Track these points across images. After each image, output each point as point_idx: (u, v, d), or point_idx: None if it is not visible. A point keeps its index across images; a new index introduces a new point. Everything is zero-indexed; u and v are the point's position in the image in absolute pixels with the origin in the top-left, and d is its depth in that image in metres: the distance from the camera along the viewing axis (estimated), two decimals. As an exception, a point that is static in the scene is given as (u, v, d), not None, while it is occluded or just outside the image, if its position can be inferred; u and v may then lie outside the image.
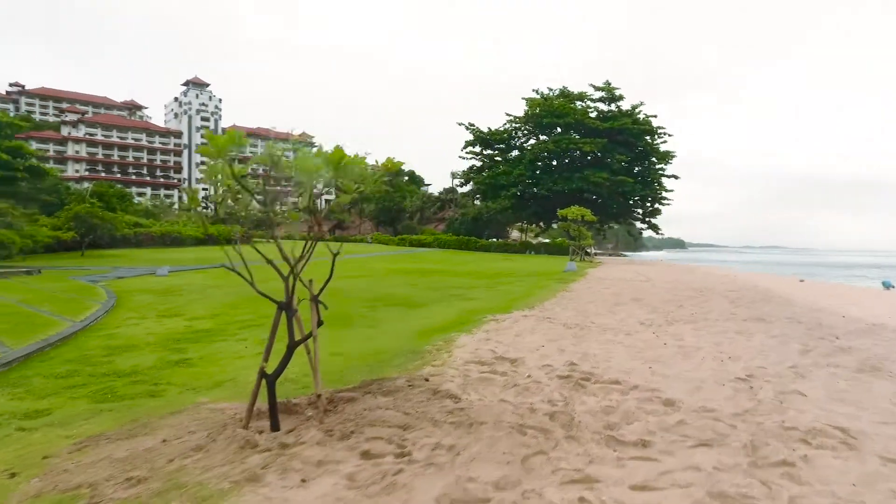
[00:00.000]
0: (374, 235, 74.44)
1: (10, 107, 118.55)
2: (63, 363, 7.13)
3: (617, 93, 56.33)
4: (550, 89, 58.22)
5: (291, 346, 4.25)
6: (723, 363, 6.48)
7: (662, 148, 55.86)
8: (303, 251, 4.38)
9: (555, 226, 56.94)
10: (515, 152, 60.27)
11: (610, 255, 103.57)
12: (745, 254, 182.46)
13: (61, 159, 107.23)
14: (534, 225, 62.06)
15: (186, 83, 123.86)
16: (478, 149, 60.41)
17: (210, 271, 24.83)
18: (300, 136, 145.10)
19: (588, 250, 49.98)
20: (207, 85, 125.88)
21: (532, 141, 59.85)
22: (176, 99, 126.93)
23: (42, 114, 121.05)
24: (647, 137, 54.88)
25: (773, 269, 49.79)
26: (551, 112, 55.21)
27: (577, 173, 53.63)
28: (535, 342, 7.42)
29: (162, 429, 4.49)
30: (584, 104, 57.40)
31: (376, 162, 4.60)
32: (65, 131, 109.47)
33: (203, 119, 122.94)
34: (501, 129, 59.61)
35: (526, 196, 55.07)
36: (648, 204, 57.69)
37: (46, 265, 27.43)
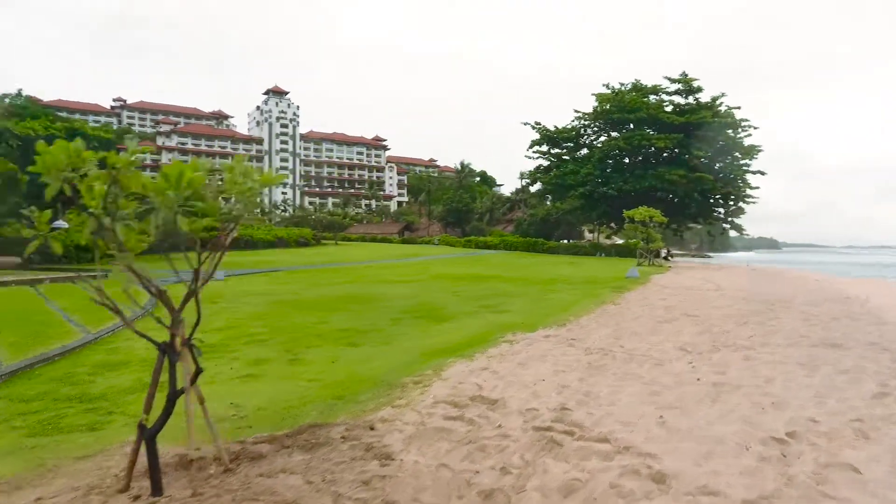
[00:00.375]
0: (441, 237, 74.29)
1: (114, 120, 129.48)
2: (44, 382, 6.95)
3: (695, 84, 52.63)
4: (622, 84, 55.51)
5: (172, 397, 3.58)
6: (763, 411, 5.20)
7: (747, 142, 51.64)
8: (196, 276, 3.71)
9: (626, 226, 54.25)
10: (585, 150, 57.93)
11: (693, 255, 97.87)
12: (847, 254, 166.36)
13: (157, 167, 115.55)
14: (604, 226, 59.40)
15: (267, 92, 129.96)
16: (545, 148, 58.60)
17: (263, 275, 25.29)
18: (374, 139, 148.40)
19: (662, 253, 47.08)
20: (286, 93, 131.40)
21: (602, 138, 57.32)
22: (258, 107, 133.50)
23: (140, 125, 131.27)
24: (729, 131, 50.91)
25: (877, 272, 44.61)
26: (622, 107, 52.56)
27: (651, 171, 50.66)
28: (538, 374, 6.40)
29: (58, 478, 3.99)
30: (658, 98, 54.23)
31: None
32: (160, 141, 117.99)
33: (282, 126, 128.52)
34: (569, 126, 57.49)
35: (595, 196, 52.67)
36: (731, 202, 53.54)
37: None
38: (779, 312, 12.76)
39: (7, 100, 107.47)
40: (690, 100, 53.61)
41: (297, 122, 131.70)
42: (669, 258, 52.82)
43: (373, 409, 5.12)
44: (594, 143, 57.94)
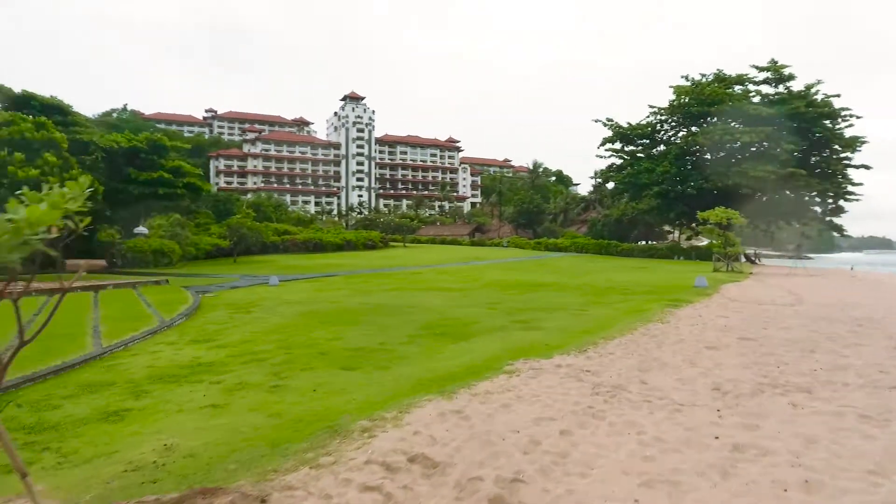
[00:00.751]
0: (511, 239, 72.80)
1: (206, 129, 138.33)
2: (21, 403, 6.82)
3: (786, 72, 48.06)
4: (703, 75, 51.80)
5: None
6: (783, 497, 3.95)
7: (847, 133, 46.48)
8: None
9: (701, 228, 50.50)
10: (661, 147, 54.56)
11: (790, 257, 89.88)
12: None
13: (243, 173, 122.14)
14: (683, 226, 55.68)
15: (344, 98, 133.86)
16: (618, 145, 55.79)
17: (316, 280, 25.49)
18: (447, 141, 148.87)
19: (742, 256, 43.23)
20: (362, 98, 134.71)
21: (681, 133, 53.75)
22: (335, 113, 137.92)
23: (229, 134, 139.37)
24: (827, 122, 46.00)
25: None
26: (702, 100, 48.93)
27: (734, 168, 46.73)
28: (515, 422, 5.39)
29: None
30: (743, 88, 50.07)
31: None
32: (245, 148, 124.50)
33: (358, 130, 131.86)
34: (644, 122, 54.38)
35: (671, 195, 49.37)
36: (829, 200, 48.39)
37: (190, 272, 30.39)
38: (864, 335, 10.78)
39: (115, 114, 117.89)
40: (781, 89, 49.09)
41: (373, 127, 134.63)
42: (756, 261, 48.60)
43: (290, 468, 4.38)
44: (671, 139, 54.49)
